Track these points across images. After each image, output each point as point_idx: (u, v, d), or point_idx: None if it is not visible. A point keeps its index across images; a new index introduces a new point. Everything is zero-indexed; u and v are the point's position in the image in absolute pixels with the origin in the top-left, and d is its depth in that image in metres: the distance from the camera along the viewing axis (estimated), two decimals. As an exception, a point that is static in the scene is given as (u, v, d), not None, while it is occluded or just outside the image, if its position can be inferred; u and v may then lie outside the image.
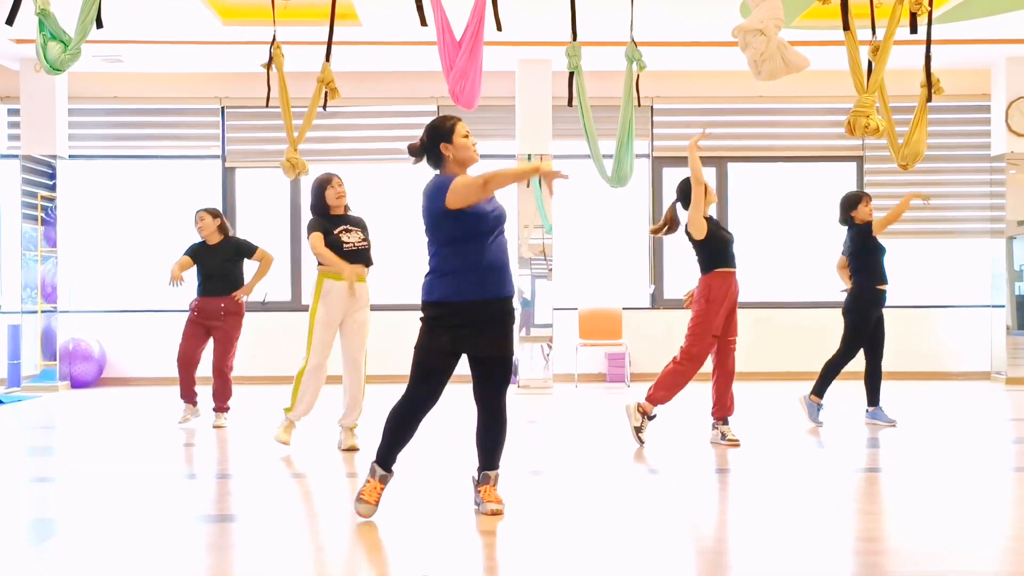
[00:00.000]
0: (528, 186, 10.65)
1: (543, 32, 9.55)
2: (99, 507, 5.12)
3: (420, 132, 4.91)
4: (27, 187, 10.74)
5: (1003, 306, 10.93)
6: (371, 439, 6.85)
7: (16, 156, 10.94)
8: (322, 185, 6.57)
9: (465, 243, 4.59)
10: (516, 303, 10.52)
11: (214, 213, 7.96)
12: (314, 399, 6.63)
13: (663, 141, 11.37)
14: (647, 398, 6.75)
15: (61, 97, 10.79)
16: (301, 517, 4.97)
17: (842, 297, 7.82)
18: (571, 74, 6.69)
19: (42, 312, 10.71)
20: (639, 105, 6.96)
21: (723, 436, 6.74)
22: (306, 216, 7.08)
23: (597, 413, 8.86)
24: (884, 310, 7.71)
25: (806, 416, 7.63)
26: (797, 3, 7.93)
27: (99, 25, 5.89)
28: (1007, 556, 4.09)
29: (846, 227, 7.77)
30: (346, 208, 6.65)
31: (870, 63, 5.83)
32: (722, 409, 6.79)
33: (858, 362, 7.71)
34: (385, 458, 4.69)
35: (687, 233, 6.83)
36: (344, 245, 6.50)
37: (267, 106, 7.20)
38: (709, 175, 10.78)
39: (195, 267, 7.90)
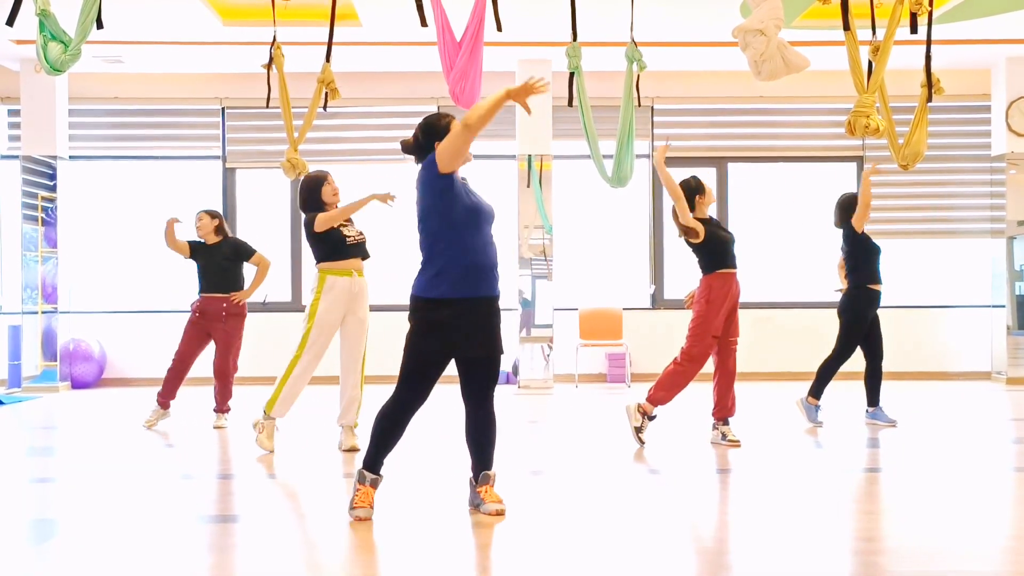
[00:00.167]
0: (528, 186, 10.65)
1: (543, 32, 9.55)
2: (99, 507, 5.12)
3: (412, 133, 4.91)
4: (27, 188, 10.74)
5: (1003, 306, 10.93)
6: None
7: (16, 157, 10.94)
8: (318, 183, 6.56)
9: (455, 237, 4.57)
10: (516, 303, 10.66)
11: (212, 214, 7.96)
12: (296, 396, 6.55)
13: (663, 141, 11.34)
14: (647, 398, 6.75)
15: (61, 98, 10.79)
16: (301, 517, 4.98)
17: (838, 297, 7.82)
18: (571, 74, 6.70)
19: (42, 313, 10.71)
20: (639, 105, 6.97)
21: (724, 436, 6.74)
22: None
23: (597, 413, 8.86)
24: (882, 310, 7.72)
25: (804, 418, 7.64)
26: (797, 3, 7.92)
27: (99, 26, 5.89)
28: (1007, 556, 4.09)
29: (841, 229, 7.74)
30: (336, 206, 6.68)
31: (870, 63, 5.83)
32: (723, 410, 6.79)
33: (858, 362, 7.71)
34: (373, 463, 4.69)
35: (684, 236, 6.84)
36: (347, 239, 6.51)
37: (267, 106, 7.20)
38: (709, 175, 10.82)
39: (196, 267, 7.91)
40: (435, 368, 4.62)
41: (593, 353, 11.15)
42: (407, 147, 4.81)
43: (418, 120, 9.87)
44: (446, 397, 6.36)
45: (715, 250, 6.72)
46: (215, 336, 7.84)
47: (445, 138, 4.58)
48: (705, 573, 3.89)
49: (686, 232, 6.75)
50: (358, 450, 6.54)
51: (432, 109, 11.07)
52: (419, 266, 4.70)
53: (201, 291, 7.84)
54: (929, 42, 6.02)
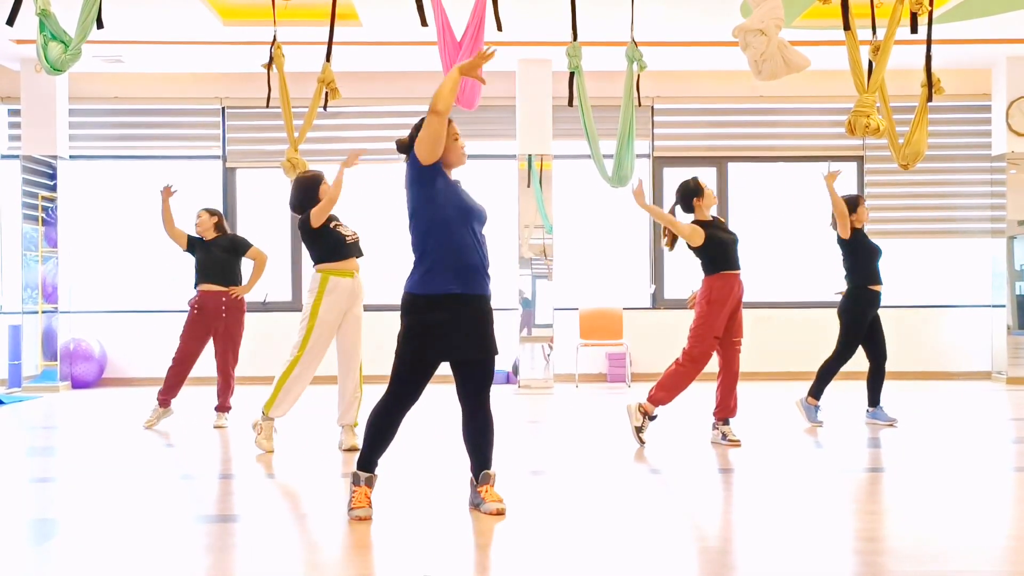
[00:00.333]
0: (529, 186, 10.65)
1: (543, 32, 9.55)
2: (99, 507, 5.12)
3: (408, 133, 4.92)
4: (28, 187, 10.74)
5: (1004, 306, 10.93)
6: (372, 439, 6.87)
7: (17, 156, 10.95)
8: (315, 182, 6.56)
9: (445, 234, 4.57)
10: (516, 303, 10.66)
11: (212, 212, 7.97)
12: (296, 397, 6.55)
13: (663, 141, 11.37)
14: (648, 398, 6.75)
15: (62, 97, 10.79)
16: (301, 517, 4.97)
17: (838, 298, 7.82)
18: (571, 74, 6.69)
19: (43, 312, 10.71)
20: (639, 105, 6.97)
21: (724, 436, 6.74)
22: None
23: (598, 413, 8.85)
24: (882, 310, 7.72)
25: (804, 418, 7.64)
26: (797, 3, 7.92)
27: (99, 25, 5.89)
28: (1008, 556, 4.10)
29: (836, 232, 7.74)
30: None
31: (870, 63, 5.83)
32: (724, 410, 6.79)
33: (859, 362, 7.72)
34: (368, 462, 4.70)
35: (667, 240, 6.89)
36: (347, 238, 6.52)
37: (267, 106, 7.21)
38: (709, 175, 10.83)
39: (193, 261, 7.92)
40: (427, 368, 4.62)
41: (593, 353, 11.16)
42: (402, 147, 4.82)
43: (418, 120, 9.89)
44: (445, 397, 6.36)
45: (715, 253, 6.72)
46: (215, 331, 7.83)
47: (422, 133, 4.63)
48: (706, 573, 3.89)
49: (670, 238, 6.85)
50: (359, 449, 6.53)
51: (432, 109, 11.06)
52: (411, 265, 4.70)
53: (197, 284, 7.83)
54: (929, 42, 6.02)
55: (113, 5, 7.40)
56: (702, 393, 7.45)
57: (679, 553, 4.20)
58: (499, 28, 6.51)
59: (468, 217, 4.63)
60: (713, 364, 6.79)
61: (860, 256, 7.63)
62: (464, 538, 4.42)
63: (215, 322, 7.80)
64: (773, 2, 5.72)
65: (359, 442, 6.54)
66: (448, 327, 4.57)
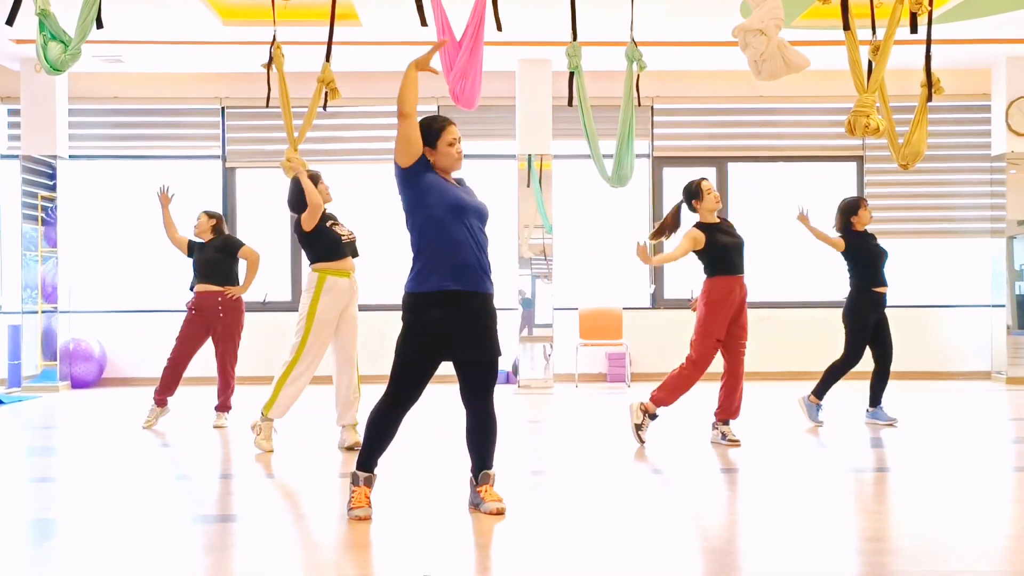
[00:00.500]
0: (528, 186, 10.65)
1: (543, 32, 9.55)
2: (99, 507, 5.12)
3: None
4: (27, 187, 10.74)
5: (1003, 306, 10.93)
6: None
7: (16, 156, 10.94)
8: (313, 182, 6.59)
9: (439, 232, 4.58)
10: (516, 303, 10.66)
11: (211, 214, 7.99)
12: (296, 398, 6.55)
13: (663, 141, 11.37)
14: (650, 398, 6.75)
15: (61, 97, 10.79)
16: (300, 518, 4.97)
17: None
18: (571, 74, 6.69)
19: (42, 312, 10.71)
20: (639, 105, 6.96)
21: (724, 436, 6.74)
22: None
23: (598, 413, 8.85)
24: (886, 311, 7.73)
25: (805, 416, 7.64)
26: (797, 3, 7.92)
27: (99, 25, 5.89)
28: (1008, 555, 4.10)
29: (842, 232, 7.75)
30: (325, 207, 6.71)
31: (870, 63, 5.83)
32: (726, 412, 6.79)
33: (862, 362, 7.73)
34: (367, 462, 4.70)
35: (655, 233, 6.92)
36: (343, 238, 6.52)
37: (267, 106, 7.19)
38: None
39: (191, 262, 7.95)
40: (427, 367, 4.61)
41: (593, 353, 11.16)
42: None
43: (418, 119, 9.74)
44: (445, 397, 6.37)
45: (715, 257, 6.73)
46: (214, 332, 7.84)
47: (397, 137, 4.64)
48: (707, 573, 3.89)
49: (656, 231, 6.93)
50: (360, 446, 6.52)
51: (432, 109, 11.07)
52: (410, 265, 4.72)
53: (194, 285, 7.86)
54: (929, 42, 6.02)
55: (113, 5, 7.39)
56: (702, 393, 7.45)
57: (680, 553, 4.20)
58: (499, 28, 6.51)
59: (461, 214, 4.61)
60: (718, 364, 6.79)
61: (860, 259, 7.65)
62: (464, 538, 4.42)
63: (213, 322, 7.81)
64: (773, 2, 5.71)
65: (360, 439, 6.56)
66: (447, 325, 4.57)
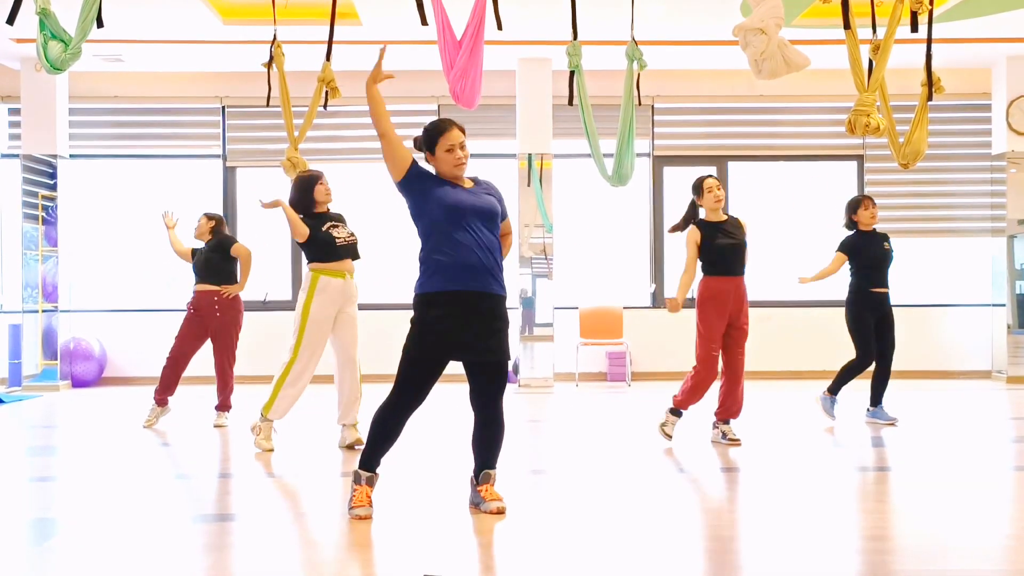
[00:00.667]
0: (529, 185, 10.64)
1: (543, 31, 9.55)
2: (99, 507, 5.12)
3: (420, 131, 4.96)
4: (28, 187, 10.74)
5: (1004, 305, 10.93)
6: (372, 438, 6.87)
7: (17, 155, 10.94)
8: (311, 182, 6.61)
9: (441, 236, 4.62)
10: (517, 303, 10.65)
11: (210, 216, 8.01)
12: (297, 398, 6.56)
13: (664, 140, 11.37)
14: (673, 401, 6.83)
15: (62, 96, 10.79)
16: (300, 517, 4.97)
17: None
18: (572, 73, 6.69)
19: (43, 311, 10.71)
20: (640, 104, 6.96)
21: (724, 435, 6.74)
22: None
23: (598, 413, 8.86)
24: (892, 311, 7.78)
25: (823, 413, 7.68)
26: (798, 2, 7.92)
27: (100, 25, 5.89)
28: (1009, 554, 4.10)
29: (848, 229, 7.84)
30: (327, 207, 6.70)
31: (871, 62, 5.82)
32: (725, 411, 6.79)
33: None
34: (369, 462, 4.70)
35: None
36: (337, 240, 6.52)
37: (268, 105, 7.20)
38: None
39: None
40: (432, 368, 4.61)
41: (593, 352, 11.15)
42: (417, 145, 4.87)
43: (418, 119, 10.03)
44: (446, 397, 6.37)
45: (710, 258, 6.76)
46: (211, 331, 7.86)
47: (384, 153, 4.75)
48: (709, 572, 3.89)
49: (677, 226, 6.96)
50: (362, 444, 6.51)
51: (432, 108, 11.07)
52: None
53: (194, 285, 7.91)
54: (930, 41, 6.01)
55: (113, 4, 7.39)
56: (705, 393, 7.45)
57: (681, 552, 4.20)
58: (499, 27, 6.50)
59: (461, 216, 4.62)
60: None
61: (858, 260, 7.71)
62: (464, 537, 4.42)
63: (210, 321, 7.83)
64: (773, 1, 5.71)
65: (361, 436, 6.57)
66: (451, 324, 4.58)
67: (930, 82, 5.93)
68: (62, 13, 6.14)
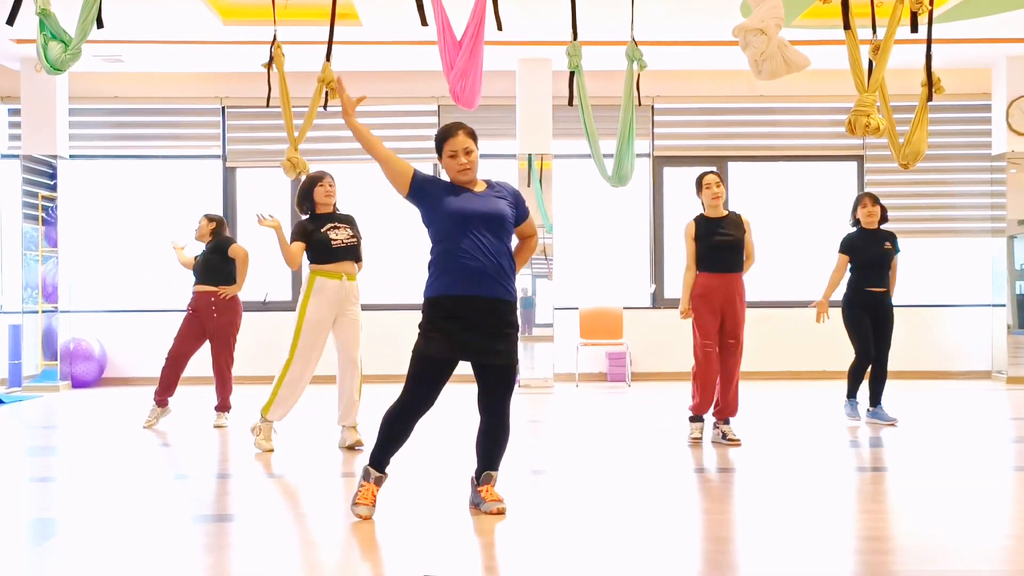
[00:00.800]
0: (529, 185, 10.64)
1: (543, 31, 9.55)
2: (99, 507, 5.12)
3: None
4: (28, 187, 10.74)
5: (1004, 305, 10.93)
6: (371, 438, 6.87)
7: (17, 156, 10.95)
8: (312, 184, 6.63)
9: (446, 243, 4.67)
10: (517, 303, 10.64)
11: (211, 218, 8.02)
12: (295, 399, 6.56)
13: (664, 141, 11.37)
14: (689, 408, 6.89)
15: (62, 97, 10.79)
16: (300, 517, 4.97)
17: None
18: (572, 73, 6.69)
19: (43, 312, 10.71)
20: (640, 104, 6.97)
21: (724, 436, 6.74)
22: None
23: (598, 413, 8.86)
24: (892, 311, 7.81)
25: (848, 419, 7.74)
26: (798, 2, 7.92)
27: (99, 25, 5.89)
28: (1008, 554, 4.10)
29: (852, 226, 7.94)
30: (334, 207, 6.69)
31: (871, 62, 5.82)
32: (722, 411, 6.80)
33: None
34: (379, 460, 4.71)
35: None
36: (332, 242, 6.52)
37: (267, 106, 7.19)
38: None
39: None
40: (440, 370, 4.62)
41: (594, 352, 11.15)
42: None
43: (418, 119, 10.03)
44: (449, 397, 6.36)
45: (702, 254, 6.82)
46: (209, 332, 7.87)
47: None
48: (708, 572, 3.88)
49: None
50: (362, 445, 6.54)
51: (432, 108, 11.07)
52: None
53: (193, 286, 7.94)
54: (929, 41, 6.01)
55: (113, 5, 7.40)
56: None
57: (680, 552, 4.20)
58: (499, 28, 6.51)
59: (466, 223, 4.65)
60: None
61: (854, 258, 7.81)
62: (464, 538, 4.42)
63: (208, 322, 7.84)
64: (773, 1, 5.71)
65: (361, 438, 6.58)
66: (457, 327, 4.60)
67: (930, 82, 5.93)
68: (62, 13, 6.14)
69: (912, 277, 11.33)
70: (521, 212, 4.87)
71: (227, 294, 7.81)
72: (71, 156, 11.02)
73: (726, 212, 6.90)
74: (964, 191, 11.44)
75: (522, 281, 10.75)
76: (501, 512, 4.69)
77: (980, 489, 5.38)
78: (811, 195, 11.55)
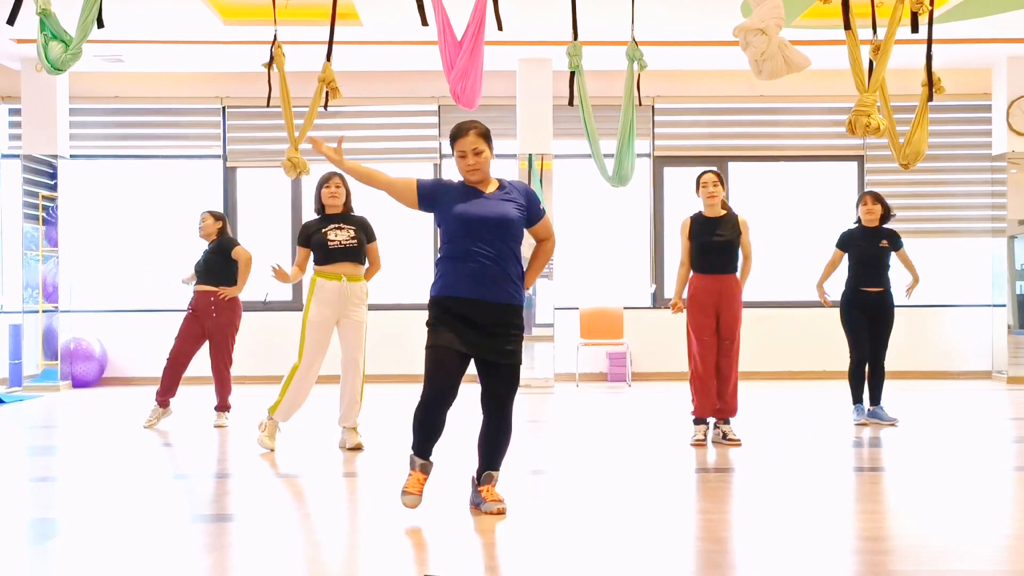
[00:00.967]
0: (529, 185, 10.63)
1: (544, 32, 9.55)
2: (100, 507, 5.12)
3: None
4: (28, 187, 10.74)
5: (1004, 305, 10.93)
6: (374, 437, 6.88)
7: (17, 156, 10.94)
8: (320, 183, 6.67)
9: (451, 246, 4.73)
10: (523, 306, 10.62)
11: (217, 216, 8.01)
12: (301, 400, 6.59)
13: (664, 141, 11.37)
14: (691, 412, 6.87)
15: (62, 97, 10.79)
16: (301, 517, 4.97)
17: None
18: (572, 73, 6.69)
19: (43, 312, 10.71)
20: (640, 104, 6.98)
21: (724, 436, 6.74)
22: (308, 215, 7.09)
23: (598, 413, 8.86)
24: (892, 311, 7.81)
25: (855, 423, 7.69)
26: (798, 2, 7.92)
27: (100, 25, 5.89)
28: (1008, 555, 4.10)
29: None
30: (346, 207, 6.68)
31: (871, 62, 5.82)
32: (720, 411, 6.79)
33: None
34: (421, 450, 4.75)
35: None
36: (330, 243, 6.52)
37: (268, 106, 7.20)
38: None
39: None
40: (452, 360, 4.64)
41: (594, 352, 11.15)
42: None
43: (418, 119, 10.02)
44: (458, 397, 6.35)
45: (695, 254, 6.84)
46: (208, 331, 7.87)
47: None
48: (707, 573, 3.89)
49: None
50: (362, 449, 6.54)
51: (432, 109, 11.07)
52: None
53: (194, 286, 7.96)
54: (930, 41, 6.01)
55: (113, 5, 7.40)
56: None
57: (680, 553, 4.20)
58: (499, 28, 6.51)
59: (469, 226, 4.68)
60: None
61: (849, 255, 7.84)
62: (465, 538, 4.42)
63: (207, 322, 7.84)
64: (774, 1, 5.71)
65: (362, 441, 6.59)
66: (458, 322, 4.65)
67: (930, 82, 5.93)
68: (62, 13, 6.14)
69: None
70: (534, 213, 4.88)
71: (226, 295, 7.82)
72: (71, 156, 11.01)
73: (724, 212, 6.89)
74: (964, 191, 11.44)
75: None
76: (501, 512, 4.70)
77: (980, 489, 5.38)
78: (811, 195, 11.54)
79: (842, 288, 7.86)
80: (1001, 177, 10.98)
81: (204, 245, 8.01)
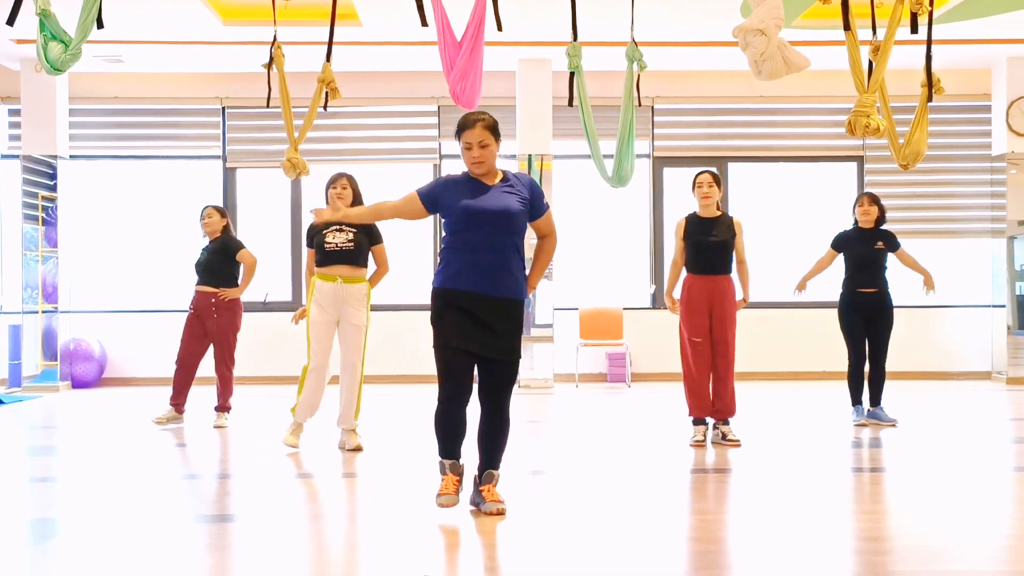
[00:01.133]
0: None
1: (543, 32, 9.55)
2: (100, 507, 5.12)
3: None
4: (28, 187, 10.74)
5: (1004, 306, 10.93)
6: (374, 438, 6.88)
7: (17, 156, 10.94)
8: (327, 184, 6.68)
9: (453, 240, 4.75)
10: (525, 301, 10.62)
11: (222, 212, 8.01)
12: (316, 399, 6.61)
13: (664, 141, 11.37)
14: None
15: (62, 97, 10.79)
16: (301, 517, 4.97)
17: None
18: (572, 74, 6.70)
19: (43, 312, 10.71)
20: (640, 105, 6.98)
21: (724, 436, 6.74)
22: (307, 216, 7.10)
23: (598, 413, 8.86)
24: (891, 312, 7.81)
25: (857, 426, 7.67)
26: (798, 3, 7.92)
27: (100, 25, 5.89)
28: (1008, 555, 4.10)
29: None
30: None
31: (871, 63, 5.82)
32: (718, 412, 6.79)
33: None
34: (448, 451, 4.77)
35: None
36: (326, 245, 6.53)
37: (268, 106, 7.20)
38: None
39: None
40: (461, 356, 4.66)
41: (593, 353, 11.15)
42: None
43: (418, 119, 9.99)
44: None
45: (688, 255, 6.85)
46: (209, 331, 7.87)
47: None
48: (707, 573, 3.89)
49: None
50: (361, 450, 6.54)
51: (432, 109, 11.07)
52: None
53: (194, 286, 7.95)
54: (929, 42, 6.01)
55: (113, 5, 7.39)
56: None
57: (679, 553, 4.20)
58: (499, 28, 6.51)
59: (470, 220, 4.70)
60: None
61: (844, 256, 7.86)
62: (464, 537, 4.42)
63: (208, 322, 7.85)
64: (773, 2, 5.71)
65: (362, 442, 6.59)
66: (460, 316, 4.67)
67: (930, 83, 5.93)
68: (62, 14, 6.14)
69: (912, 277, 11.30)
70: (537, 206, 4.89)
71: (226, 296, 7.82)
72: (71, 156, 11.01)
73: (719, 213, 6.89)
74: (964, 192, 11.44)
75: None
76: (501, 513, 4.70)
77: (980, 489, 5.39)
78: (811, 196, 11.54)
79: (839, 290, 7.86)
80: (1001, 178, 10.99)
81: (203, 244, 8.01)
